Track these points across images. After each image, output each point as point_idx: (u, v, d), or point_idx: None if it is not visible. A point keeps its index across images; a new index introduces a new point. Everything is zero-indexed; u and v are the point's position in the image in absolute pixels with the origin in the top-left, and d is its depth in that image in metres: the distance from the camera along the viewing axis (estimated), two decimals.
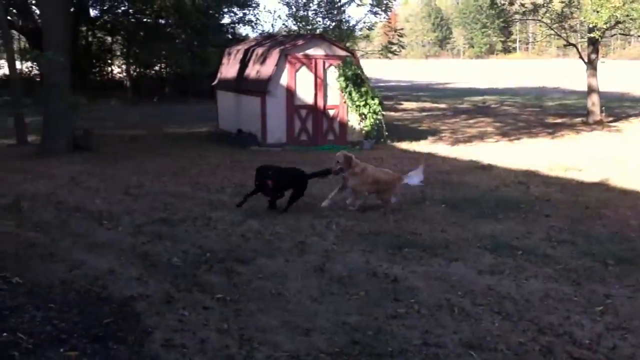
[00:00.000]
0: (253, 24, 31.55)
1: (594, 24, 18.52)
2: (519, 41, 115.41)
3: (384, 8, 28.55)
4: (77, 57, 17.22)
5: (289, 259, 6.69)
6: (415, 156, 14.05)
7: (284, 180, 8.64)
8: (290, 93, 15.12)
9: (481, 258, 6.78)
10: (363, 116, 15.28)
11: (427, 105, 29.05)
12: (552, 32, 23.54)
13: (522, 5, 22.88)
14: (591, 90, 21.80)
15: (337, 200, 8.92)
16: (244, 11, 31.20)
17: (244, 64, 16.78)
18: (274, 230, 7.74)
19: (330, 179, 9.79)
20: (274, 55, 15.17)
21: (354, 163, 8.61)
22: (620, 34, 25.78)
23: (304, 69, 15.11)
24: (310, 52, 15.22)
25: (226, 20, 31.48)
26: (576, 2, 21.31)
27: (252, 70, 16.13)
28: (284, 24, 31.30)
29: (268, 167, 8.79)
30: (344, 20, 29.71)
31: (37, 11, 24.95)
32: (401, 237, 7.50)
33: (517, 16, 24.36)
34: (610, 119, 22.46)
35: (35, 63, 28.46)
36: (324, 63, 15.23)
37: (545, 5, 22.31)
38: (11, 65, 16.16)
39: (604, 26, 18.54)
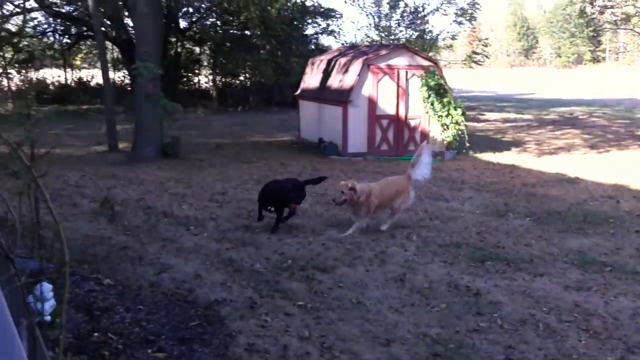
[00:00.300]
0: (336, 34, 31.81)
1: None
2: (609, 51, 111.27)
3: (468, 18, 28.24)
4: (166, 67, 17.75)
5: (369, 268, 6.71)
6: (497, 167, 13.79)
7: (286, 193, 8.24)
8: (372, 103, 15.14)
9: (567, 273, 6.59)
10: (445, 126, 15.11)
11: (511, 116, 28.41)
12: None
13: (613, 14, 22.09)
14: None
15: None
16: (327, 22, 31.50)
17: (326, 73, 16.94)
18: (354, 240, 7.77)
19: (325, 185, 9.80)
20: (357, 65, 15.24)
21: (359, 192, 8.06)
22: None
23: (386, 78, 15.11)
24: (392, 62, 15.21)
25: (310, 30, 31.87)
26: None
27: (334, 80, 16.26)
28: (366, 34, 31.38)
29: (272, 186, 8.46)
30: (427, 30, 29.58)
31: (130, 23, 26.01)
32: (484, 250, 7.39)
33: (607, 25, 23.53)
34: None
35: (127, 73, 29.72)
36: (406, 73, 15.18)
37: (638, 14, 21.46)
38: (105, 75, 16.85)
39: None
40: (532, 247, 7.59)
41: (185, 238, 7.78)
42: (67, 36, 31.53)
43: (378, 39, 30.02)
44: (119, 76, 31.30)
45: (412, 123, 15.44)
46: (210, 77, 32.65)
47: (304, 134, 17.98)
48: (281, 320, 5.23)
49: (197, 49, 32.63)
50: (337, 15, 31.54)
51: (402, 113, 15.32)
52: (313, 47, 30.65)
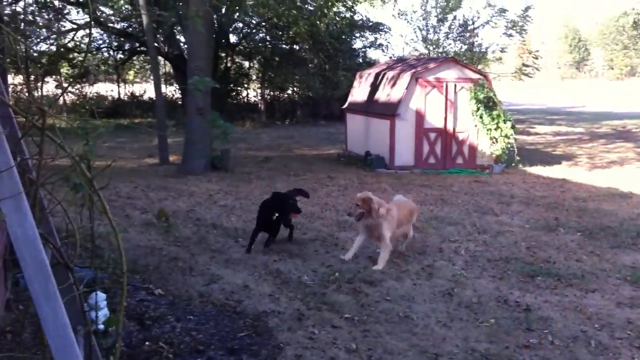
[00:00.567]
0: (384, 47, 31.81)
1: None
2: None
3: (519, 30, 27.89)
4: (216, 81, 18.17)
5: (416, 282, 6.68)
6: (548, 181, 13.57)
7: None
8: (420, 116, 15.10)
9: (620, 290, 6.45)
10: (494, 140, 14.96)
11: (562, 129, 27.92)
12: None
13: None
14: None
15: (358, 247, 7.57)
16: (375, 36, 31.54)
17: (374, 87, 16.97)
18: (401, 253, 7.75)
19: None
20: (405, 79, 15.23)
21: (375, 205, 7.26)
22: None
23: (434, 92, 15.05)
24: (441, 75, 15.15)
25: (358, 44, 31.94)
26: None
27: (382, 93, 16.28)
28: (414, 48, 31.29)
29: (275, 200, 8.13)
30: (475, 42, 29.34)
31: (182, 38, 26.56)
32: (534, 265, 7.28)
33: None
34: None
35: (178, 87, 30.31)
36: (455, 86, 15.10)
37: None
38: (157, 89, 17.22)
39: None
40: (583, 262, 7.45)
41: (234, 249, 7.88)
42: (120, 52, 32.42)
43: (426, 52, 29.93)
44: (170, 90, 31.95)
45: (460, 136, 15.32)
46: (259, 91, 33.03)
47: (350, 147, 18.01)
48: (328, 333, 5.26)
49: (247, 64, 33.07)
50: (386, 29, 31.56)
51: (450, 126, 15.22)
52: (361, 60, 30.71)
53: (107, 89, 33.52)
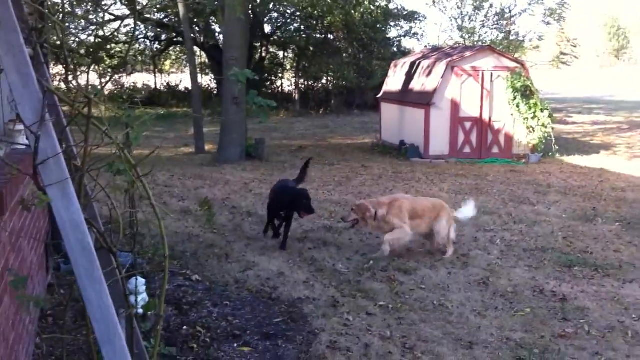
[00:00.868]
0: (419, 36, 31.55)
1: None
2: None
3: (557, 18, 27.46)
4: (252, 71, 18.26)
5: (451, 271, 6.69)
6: (585, 171, 13.37)
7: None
8: (455, 105, 14.99)
9: None
10: (531, 129, 14.77)
11: (601, 118, 27.41)
12: None
13: None
14: None
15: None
16: (410, 25, 31.28)
17: (409, 76, 16.88)
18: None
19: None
20: (440, 68, 15.13)
21: (371, 211, 7.14)
22: None
23: (470, 80, 14.92)
24: (477, 64, 15.00)
25: (393, 33, 31.70)
26: None
27: (417, 83, 16.19)
28: (449, 36, 31.00)
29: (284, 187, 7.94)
30: (512, 31, 28.98)
31: (218, 29, 26.74)
32: (571, 255, 7.22)
33: None
34: None
35: (214, 77, 30.53)
36: (491, 75, 14.94)
37: None
38: (194, 79, 17.41)
39: None
40: (621, 252, 7.36)
41: (269, 237, 7.96)
42: (157, 42, 32.77)
43: (461, 40, 29.63)
44: (205, 80, 32.21)
45: (496, 125, 15.17)
46: (293, 81, 33.08)
47: (385, 136, 17.97)
48: (363, 320, 5.30)
49: (281, 54, 33.15)
50: (421, 18, 31.29)
51: (485, 115, 15.09)
52: (395, 49, 30.50)
53: (144, 79, 33.96)
